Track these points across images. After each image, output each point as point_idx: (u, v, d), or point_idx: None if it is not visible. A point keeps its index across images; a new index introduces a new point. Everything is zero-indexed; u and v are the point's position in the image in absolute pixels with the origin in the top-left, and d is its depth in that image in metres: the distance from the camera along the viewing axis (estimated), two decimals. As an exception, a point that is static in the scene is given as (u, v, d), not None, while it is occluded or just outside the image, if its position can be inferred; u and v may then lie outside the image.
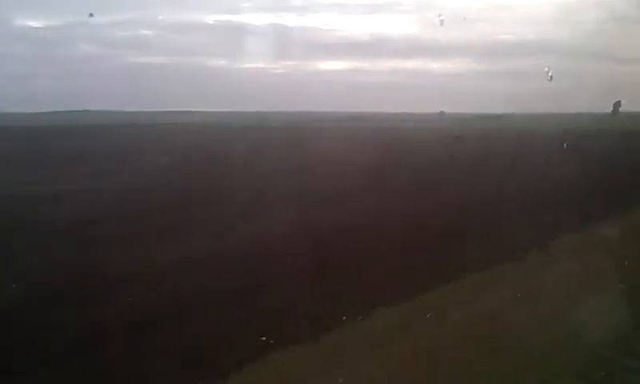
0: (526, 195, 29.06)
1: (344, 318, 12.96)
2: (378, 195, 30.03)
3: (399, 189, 32.70)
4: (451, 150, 58.12)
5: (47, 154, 59.69)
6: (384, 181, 35.35)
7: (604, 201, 27.22)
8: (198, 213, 26.02)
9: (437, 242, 19.81)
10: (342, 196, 29.69)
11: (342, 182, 34.39)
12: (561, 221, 22.37)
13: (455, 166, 43.29)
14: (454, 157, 49.74)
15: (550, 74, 36.65)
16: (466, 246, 19.09)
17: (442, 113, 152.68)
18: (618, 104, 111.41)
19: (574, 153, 45.40)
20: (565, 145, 48.97)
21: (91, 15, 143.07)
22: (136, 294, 14.90)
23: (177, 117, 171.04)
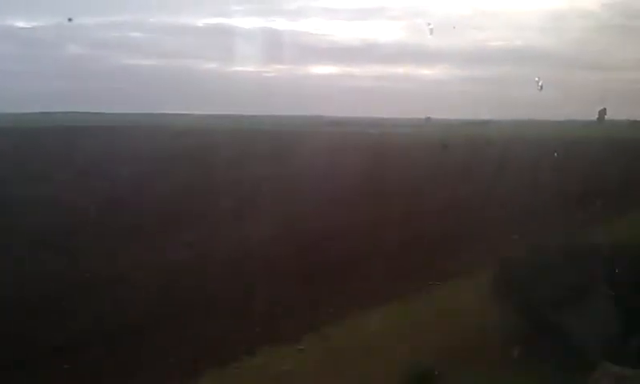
0: (496, 208, 28.12)
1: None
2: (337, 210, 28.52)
3: (364, 202, 31.07)
4: (434, 158, 57.25)
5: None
6: (351, 192, 33.78)
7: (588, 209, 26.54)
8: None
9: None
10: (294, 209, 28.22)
11: (302, 193, 33.04)
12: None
13: (435, 175, 42.40)
14: (434, 165, 48.86)
15: (540, 84, 36.85)
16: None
17: (428, 119, 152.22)
18: (603, 112, 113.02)
19: (558, 161, 44.89)
20: (555, 154, 48.58)
21: (70, 20, 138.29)
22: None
23: (164, 119, 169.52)
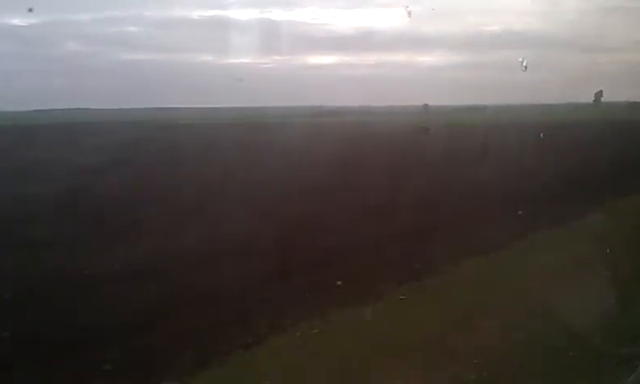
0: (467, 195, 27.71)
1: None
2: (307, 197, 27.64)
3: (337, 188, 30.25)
4: (416, 143, 56.91)
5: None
6: (326, 178, 32.66)
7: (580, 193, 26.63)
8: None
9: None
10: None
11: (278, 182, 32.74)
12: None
13: (413, 160, 42.15)
14: (415, 151, 48.58)
15: (524, 64, 36.97)
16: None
17: (425, 105, 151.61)
18: (599, 94, 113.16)
19: (549, 144, 44.92)
20: (541, 135, 48.52)
21: (30, 10, 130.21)
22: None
23: (161, 114, 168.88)
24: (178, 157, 51.59)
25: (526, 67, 36.98)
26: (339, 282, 15.66)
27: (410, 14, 67.93)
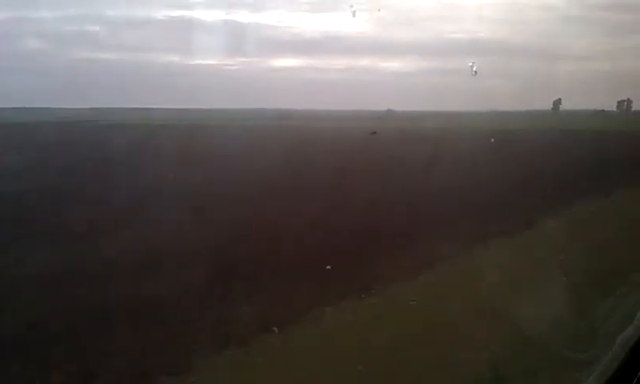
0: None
1: None
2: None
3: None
4: (359, 147, 54.54)
5: None
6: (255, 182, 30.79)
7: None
8: None
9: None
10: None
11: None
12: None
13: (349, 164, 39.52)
14: (354, 156, 46.20)
15: (474, 69, 38.35)
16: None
17: (389, 111, 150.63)
18: (558, 102, 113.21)
19: (492, 152, 43.42)
20: (492, 140, 48.24)
21: None
22: None
23: (117, 114, 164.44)
24: (85, 158, 48.05)
25: (475, 72, 37.65)
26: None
27: (354, 13, 66.67)
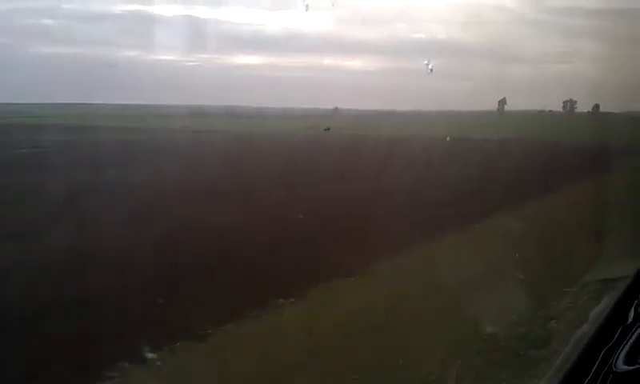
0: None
1: None
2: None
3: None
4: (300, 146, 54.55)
5: None
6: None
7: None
8: None
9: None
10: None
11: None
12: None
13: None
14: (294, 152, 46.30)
15: (430, 67, 38.60)
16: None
17: (335, 109, 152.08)
18: (502, 102, 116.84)
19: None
20: (447, 138, 46.58)
21: None
22: None
23: (68, 109, 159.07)
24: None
25: (431, 70, 38.60)
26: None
27: (307, 7, 66.62)
